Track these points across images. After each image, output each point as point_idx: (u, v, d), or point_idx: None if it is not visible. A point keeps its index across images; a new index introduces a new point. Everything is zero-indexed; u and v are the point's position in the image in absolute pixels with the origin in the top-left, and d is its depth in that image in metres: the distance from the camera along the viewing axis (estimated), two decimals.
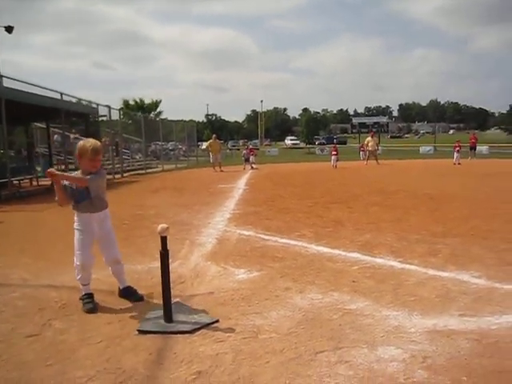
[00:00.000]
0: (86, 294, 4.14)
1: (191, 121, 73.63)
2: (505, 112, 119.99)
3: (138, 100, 55.65)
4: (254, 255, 5.78)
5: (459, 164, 26.98)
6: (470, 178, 17.69)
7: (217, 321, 3.69)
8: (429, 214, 8.89)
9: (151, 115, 48.44)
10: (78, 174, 4.13)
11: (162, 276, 3.69)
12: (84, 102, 19.07)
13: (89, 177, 3.96)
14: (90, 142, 4.06)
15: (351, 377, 2.79)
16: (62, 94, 15.62)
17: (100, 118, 20.17)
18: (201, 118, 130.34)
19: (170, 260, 5.34)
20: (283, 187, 14.64)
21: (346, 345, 3.22)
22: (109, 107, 19.92)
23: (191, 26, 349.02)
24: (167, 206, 10.60)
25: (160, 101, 57.97)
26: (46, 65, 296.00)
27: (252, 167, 25.22)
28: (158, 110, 57.44)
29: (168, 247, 3.73)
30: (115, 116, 21.47)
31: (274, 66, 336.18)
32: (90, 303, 4.07)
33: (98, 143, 4.14)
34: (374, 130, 45.59)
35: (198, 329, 3.55)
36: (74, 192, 4.02)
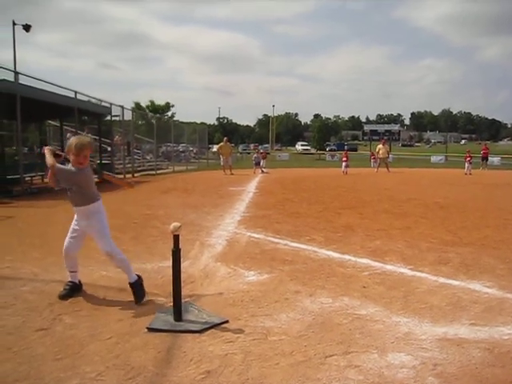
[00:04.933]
0: (68, 281, 4.33)
1: (203, 123, 73.96)
2: None
3: (149, 102, 56.09)
4: (264, 258, 5.77)
5: (470, 174, 26.79)
6: (481, 189, 17.57)
7: (226, 321, 3.69)
8: (439, 222, 8.83)
9: (164, 117, 48.65)
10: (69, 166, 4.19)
11: (173, 274, 3.69)
12: (95, 101, 19.16)
13: (57, 165, 4.07)
14: (76, 139, 4.17)
15: (361, 381, 2.77)
16: (76, 92, 15.71)
17: (113, 118, 20.26)
18: (212, 121, 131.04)
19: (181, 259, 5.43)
20: (293, 192, 14.62)
21: (355, 349, 3.20)
22: (122, 107, 20.02)
23: (198, 29, 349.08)
24: (177, 206, 10.62)
25: (173, 105, 58.52)
26: (50, 63, 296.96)
27: (262, 171, 25.21)
28: (172, 112, 57.89)
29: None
30: (128, 116, 21.57)
31: (281, 71, 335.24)
32: (65, 290, 4.26)
33: (85, 140, 4.24)
34: (385, 137, 45.29)
35: (208, 328, 3.54)
36: (59, 179, 4.20)
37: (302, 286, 4.60)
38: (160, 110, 54.13)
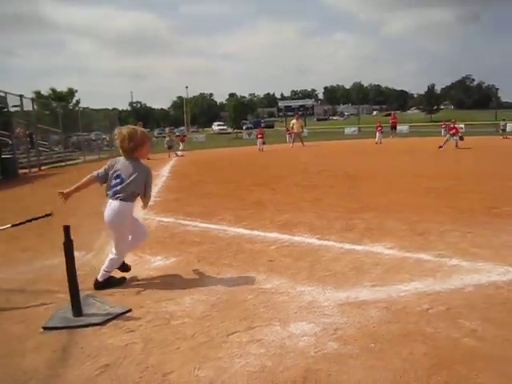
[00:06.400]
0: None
1: (115, 109, 71.38)
2: (423, 93, 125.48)
3: (50, 90, 53.22)
4: (173, 241, 5.65)
5: (380, 143, 28.01)
6: (390, 156, 18.40)
7: (129, 310, 3.56)
8: (347, 191, 9.12)
9: (69, 104, 46.31)
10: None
11: (67, 269, 3.49)
12: None
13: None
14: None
15: (262, 355, 2.77)
16: None
17: (13, 109, 18.95)
18: (125, 106, 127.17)
19: (84, 252, 5.20)
20: (208, 173, 14.54)
21: (258, 324, 3.20)
22: (21, 97, 18.78)
23: (102, 10, 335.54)
24: (86, 197, 10.14)
25: (76, 90, 55.81)
26: None
27: (176, 154, 24.78)
28: (76, 99, 55.23)
29: (74, 238, 3.51)
30: (28, 106, 20.26)
31: (194, 51, 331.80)
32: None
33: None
34: (299, 112, 46.10)
35: (109, 320, 3.40)
36: None
37: (209, 267, 4.55)
38: (63, 97, 51.29)
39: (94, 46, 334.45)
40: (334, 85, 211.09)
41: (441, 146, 20.97)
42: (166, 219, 7.01)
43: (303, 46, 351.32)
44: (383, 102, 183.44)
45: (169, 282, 4.20)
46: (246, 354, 2.78)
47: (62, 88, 55.78)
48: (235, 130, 60.49)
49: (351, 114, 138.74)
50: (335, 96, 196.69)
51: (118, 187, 3.97)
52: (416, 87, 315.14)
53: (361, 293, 3.71)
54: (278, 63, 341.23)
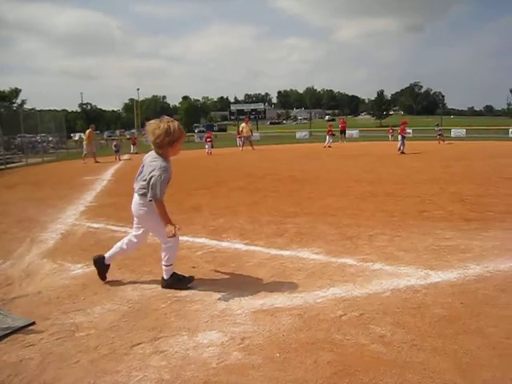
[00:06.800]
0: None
1: (64, 110, 69.31)
2: (373, 99, 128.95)
3: None
4: (97, 248, 5.40)
5: (330, 147, 28.35)
6: (337, 160, 18.63)
7: (33, 323, 3.37)
8: (287, 195, 9.12)
9: (12, 105, 44.65)
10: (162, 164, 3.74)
11: None
12: None
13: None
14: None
15: (162, 367, 2.66)
16: None
17: None
18: (75, 108, 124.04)
19: (1, 261, 4.93)
20: None
21: (166, 334, 3.09)
22: None
23: (49, 6, 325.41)
24: (18, 202, 9.74)
25: (20, 90, 53.88)
26: None
27: (119, 158, 24.13)
28: (22, 99, 53.32)
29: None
30: None
31: (147, 52, 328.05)
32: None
33: None
34: (251, 116, 46.25)
35: (8, 334, 3.20)
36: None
37: (128, 274, 4.41)
38: (5, 97, 49.34)
39: (42, 45, 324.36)
40: (288, 89, 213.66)
41: (399, 150, 21.34)
42: (96, 225, 6.77)
43: (257, 50, 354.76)
44: (336, 106, 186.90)
45: (83, 290, 4.03)
46: (145, 367, 2.67)
47: (4, 87, 53.70)
48: (187, 134, 59.92)
49: (304, 118, 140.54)
50: (289, 100, 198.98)
51: (138, 181, 3.88)
52: (367, 93, 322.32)
53: (277, 299, 3.66)
54: (232, 67, 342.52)
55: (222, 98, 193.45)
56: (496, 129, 48.26)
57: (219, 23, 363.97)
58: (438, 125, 35.92)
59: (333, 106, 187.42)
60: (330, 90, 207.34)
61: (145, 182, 3.72)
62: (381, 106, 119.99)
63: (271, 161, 19.69)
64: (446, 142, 30.62)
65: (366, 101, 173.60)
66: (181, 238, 5.69)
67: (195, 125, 71.76)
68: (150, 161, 3.80)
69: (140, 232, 4.09)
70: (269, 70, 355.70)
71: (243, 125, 28.50)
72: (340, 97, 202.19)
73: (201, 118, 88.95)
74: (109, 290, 4.00)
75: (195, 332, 3.10)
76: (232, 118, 59.37)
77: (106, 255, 4.16)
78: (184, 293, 3.85)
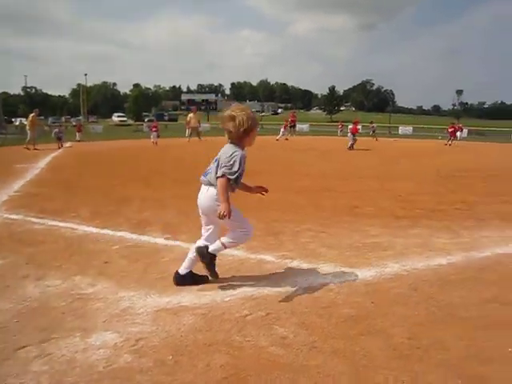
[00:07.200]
0: None
1: (4, 93, 66.13)
2: (325, 94, 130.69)
3: None
4: (10, 242, 5.12)
5: (277, 140, 28.45)
6: (284, 153, 18.68)
7: None
8: None
9: None
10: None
11: None
12: None
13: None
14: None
15: (42, 373, 2.49)
16: None
17: None
18: (18, 91, 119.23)
19: None
20: (88, 166, 13.81)
21: (57, 335, 2.91)
22: None
23: None
24: None
25: None
26: None
27: (61, 146, 23.22)
28: None
29: None
30: None
31: (100, 37, 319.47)
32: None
33: None
34: (203, 107, 45.78)
35: None
36: None
37: (34, 270, 4.15)
38: None
39: None
40: (242, 81, 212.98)
41: (350, 146, 21.79)
42: (14, 216, 6.40)
43: (211, 40, 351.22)
44: (289, 100, 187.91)
45: None
46: (23, 373, 2.49)
47: None
48: (136, 123, 58.66)
49: (257, 111, 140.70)
50: (242, 92, 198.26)
51: (210, 172, 3.67)
52: (320, 88, 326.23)
53: (185, 298, 3.54)
54: (186, 56, 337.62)
55: (174, 87, 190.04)
56: (442, 128, 49.86)
57: (173, 11, 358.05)
58: (372, 122, 38.12)
59: (286, 100, 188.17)
60: (284, 84, 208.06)
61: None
62: (332, 101, 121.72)
63: (216, 151, 19.46)
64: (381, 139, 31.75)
65: (319, 96, 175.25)
66: (101, 231, 5.54)
67: (144, 114, 70.12)
68: (227, 151, 3.61)
69: (209, 233, 3.84)
70: (223, 61, 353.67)
71: (191, 115, 27.96)
72: (293, 91, 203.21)
73: (152, 107, 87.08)
74: (8, 287, 3.74)
75: (90, 333, 2.94)
76: (182, 107, 58.62)
77: (183, 272, 3.85)
78: (89, 290, 3.66)
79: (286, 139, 29.22)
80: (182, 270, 3.81)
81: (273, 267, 4.28)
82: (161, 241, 5.12)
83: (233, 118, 3.53)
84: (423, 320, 3.25)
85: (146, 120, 64.22)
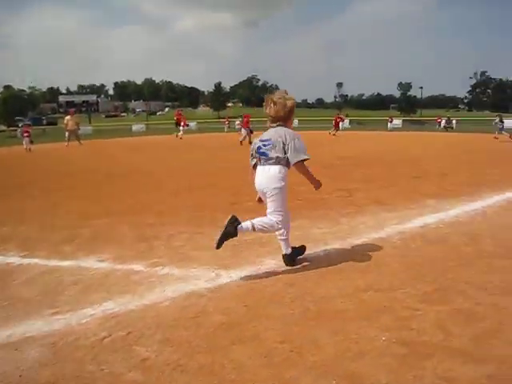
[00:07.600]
0: None
1: None
2: (212, 90, 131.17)
3: None
4: None
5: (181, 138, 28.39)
6: (167, 152, 18.24)
7: None
8: (95, 193, 8.40)
9: None
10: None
11: None
12: None
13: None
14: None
15: None
16: None
17: None
18: None
19: None
20: None
21: None
22: None
23: None
24: None
25: None
26: None
27: None
28: None
29: None
30: None
31: None
32: None
33: None
34: (83, 108, 43.51)
35: None
36: None
37: None
38: None
39: None
40: (125, 80, 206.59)
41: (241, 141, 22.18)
42: None
43: (91, 38, 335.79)
44: (175, 98, 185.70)
45: None
46: None
47: None
48: (10, 128, 54.25)
49: (143, 111, 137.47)
50: (126, 92, 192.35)
51: (267, 155, 3.97)
52: (207, 85, 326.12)
53: (34, 326, 3.06)
54: (64, 54, 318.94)
55: (51, 88, 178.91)
56: (328, 119, 51.91)
57: (47, 4, 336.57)
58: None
59: (172, 98, 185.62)
60: (169, 82, 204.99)
61: (282, 154, 3.90)
62: (219, 97, 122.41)
63: (96, 156, 18.54)
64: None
65: (206, 93, 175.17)
66: None
67: (18, 118, 64.98)
68: (280, 133, 3.93)
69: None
70: (105, 59, 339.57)
71: (68, 117, 26.24)
72: (179, 88, 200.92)
73: (28, 110, 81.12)
74: None
75: None
76: (61, 110, 55.32)
77: (288, 251, 4.25)
78: None
79: (181, 138, 29.30)
80: (288, 250, 4.18)
81: (141, 278, 3.92)
82: (15, 260, 4.46)
83: (282, 103, 3.93)
84: (297, 318, 3.10)
85: (20, 125, 59.65)
